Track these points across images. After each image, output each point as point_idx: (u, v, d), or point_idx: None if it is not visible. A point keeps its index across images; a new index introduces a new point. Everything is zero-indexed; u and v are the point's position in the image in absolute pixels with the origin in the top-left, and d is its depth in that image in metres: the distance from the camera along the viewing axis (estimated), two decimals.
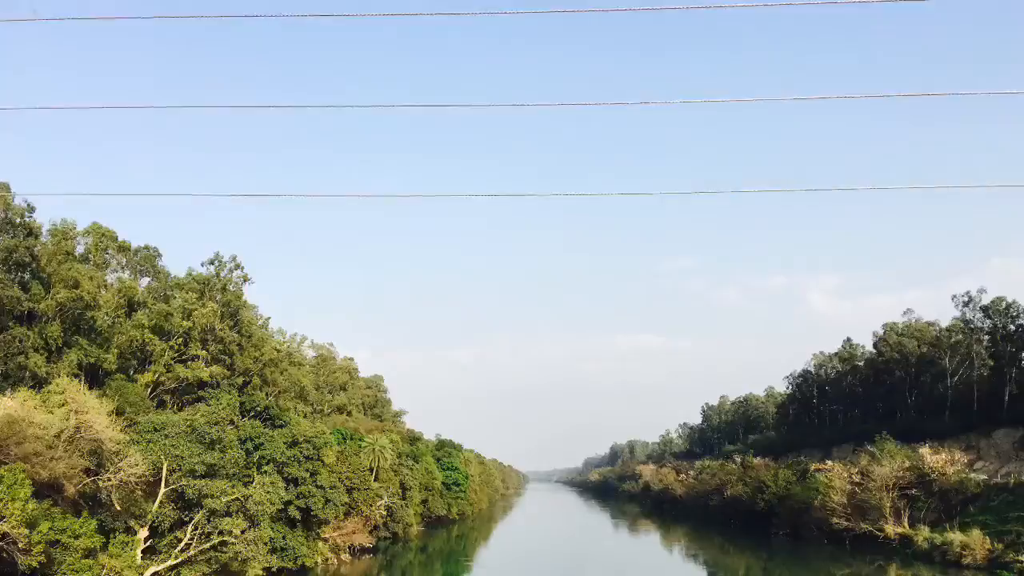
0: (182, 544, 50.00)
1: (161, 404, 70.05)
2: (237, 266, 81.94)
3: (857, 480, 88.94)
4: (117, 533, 47.49)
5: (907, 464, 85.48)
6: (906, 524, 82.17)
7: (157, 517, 49.81)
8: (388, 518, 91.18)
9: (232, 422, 62.22)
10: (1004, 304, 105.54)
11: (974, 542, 70.41)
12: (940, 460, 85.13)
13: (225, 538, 50.95)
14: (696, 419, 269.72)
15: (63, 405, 47.40)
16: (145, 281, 78.25)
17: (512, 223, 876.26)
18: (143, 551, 49.04)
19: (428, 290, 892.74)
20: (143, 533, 49.44)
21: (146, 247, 77.69)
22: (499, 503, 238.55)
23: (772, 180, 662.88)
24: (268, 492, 56.59)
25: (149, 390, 69.53)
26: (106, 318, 64.30)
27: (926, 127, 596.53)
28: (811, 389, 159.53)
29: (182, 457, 51.24)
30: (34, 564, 38.51)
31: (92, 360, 61.46)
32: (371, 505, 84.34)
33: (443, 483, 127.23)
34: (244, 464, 58.29)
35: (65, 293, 59.24)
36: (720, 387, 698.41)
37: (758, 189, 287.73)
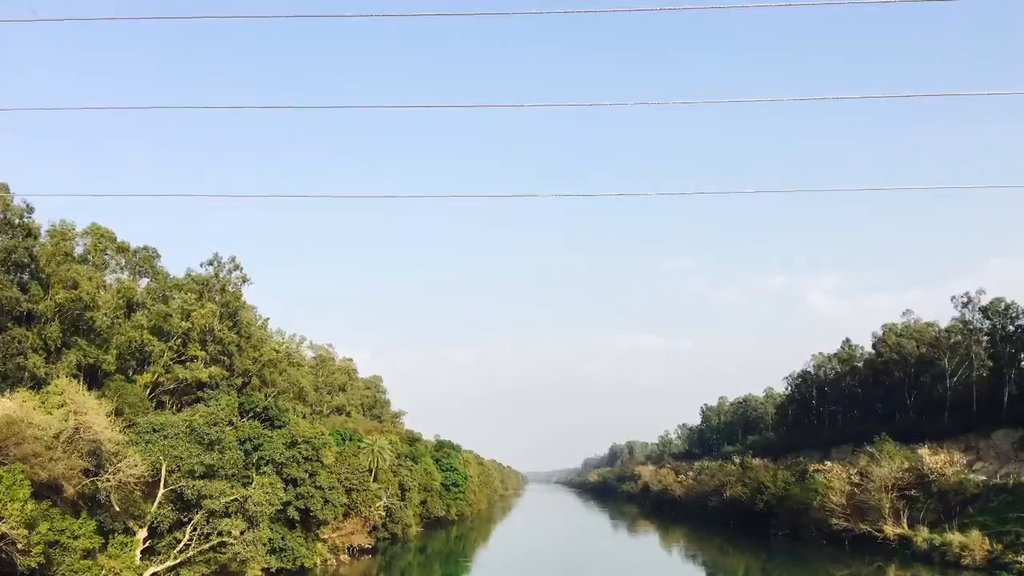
0: (181, 545, 49.99)
1: (160, 405, 70.04)
2: (236, 267, 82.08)
3: (856, 481, 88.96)
4: (116, 534, 47.46)
5: (906, 465, 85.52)
6: (905, 525, 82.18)
7: (156, 518, 49.80)
8: (387, 519, 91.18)
9: (231, 423, 62.16)
10: (1003, 305, 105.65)
11: (973, 543, 70.43)
12: (939, 461, 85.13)
13: (224, 539, 50.97)
14: (695, 420, 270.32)
15: (62, 406, 47.37)
16: (144, 282, 78.16)
17: (512, 223, 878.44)
18: (142, 552, 49.02)
19: (428, 290, 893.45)
20: (142, 534, 49.42)
21: (145, 248, 77.60)
22: (498, 504, 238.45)
23: (772, 180, 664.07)
24: (267, 493, 56.57)
25: (148, 391, 69.51)
26: (105, 319, 64.19)
27: (926, 127, 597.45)
28: (810, 390, 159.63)
29: (181, 458, 51.23)
30: (33, 565, 38.47)
31: (91, 361, 61.41)
32: (370, 506, 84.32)
33: (442, 484, 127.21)
34: (243, 465, 58.24)
35: (64, 294, 59.18)
36: (720, 387, 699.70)
37: (758, 190, 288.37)
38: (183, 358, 72.51)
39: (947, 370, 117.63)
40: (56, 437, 44.42)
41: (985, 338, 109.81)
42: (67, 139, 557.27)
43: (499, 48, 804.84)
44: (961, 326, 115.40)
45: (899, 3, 18.88)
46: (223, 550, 51.46)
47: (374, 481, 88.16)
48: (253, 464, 61.21)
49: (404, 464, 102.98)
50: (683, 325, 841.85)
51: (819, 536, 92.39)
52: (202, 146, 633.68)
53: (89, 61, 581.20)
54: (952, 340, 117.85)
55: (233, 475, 54.79)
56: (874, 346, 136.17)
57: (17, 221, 58.37)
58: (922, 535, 78.46)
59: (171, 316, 71.90)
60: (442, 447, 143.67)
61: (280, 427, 67.28)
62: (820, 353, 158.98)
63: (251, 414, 67.33)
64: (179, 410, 66.68)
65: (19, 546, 37.49)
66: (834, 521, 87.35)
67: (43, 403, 47.51)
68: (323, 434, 74.31)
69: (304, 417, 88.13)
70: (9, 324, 56.06)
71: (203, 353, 73.91)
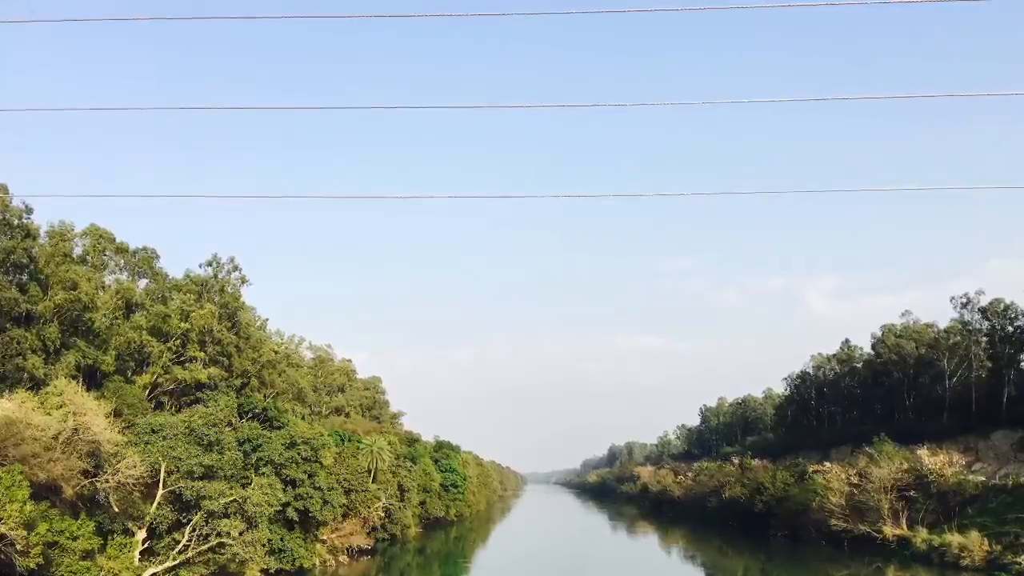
0: (180, 545, 49.97)
1: (159, 406, 70.01)
2: (235, 267, 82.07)
3: (855, 482, 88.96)
4: (115, 535, 47.49)
5: (905, 466, 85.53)
6: (904, 526, 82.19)
7: (155, 519, 49.80)
8: (386, 519, 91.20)
9: (230, 423, 62.16)
10: (1002, 306, 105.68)
11: (972, 544, 70.43)
12: (938, 462, 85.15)
13: (223, 539, 50.90)
14: (695, 420, 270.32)
15: (61, 407, 47.33)
16: (143, 283, 78.14)
17: (512, 223, 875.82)
18: (141, 552, 49.02)
19: (428, 290, 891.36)
20: (141, 535, 49.42)
21: (144, 248, 77.59)
22: (497, 505, 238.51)
23: (772, 181, 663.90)
24: (266, 494, 56.53)
25: (147, 392, 69.46)
26: (104, 320, 64.15)
27: (926, 127, 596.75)
28: (809, 390, 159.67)
29: (180, 459, 51.24)
30: (32, 566, 38.44)
31: (90, 362, 61.39)
32: (369, 507, 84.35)
33: (441, 484, 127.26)
34: (242, 465, 58.22)
35: (63, 295, 59.17)
36: (719, 388, 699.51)
37: (757, 191, 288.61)
38: (182, 359, 72.47)
39: (946, 371, 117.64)
40: (55, 438, 44.39)
41: (984, 339, 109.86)
42: (67, 139, 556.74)
43: (499, 48, 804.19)
44: (960, 327, 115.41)
45: (899, 3, 18.90)
46: (222, 551, 51.43)
47: (373, 482, 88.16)
48: (252, 465, 61.18)
49: (403, 465, 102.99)
50: (683, 325, 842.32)
51: (818, 537, 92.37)
52: (202, 146, 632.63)
53: (89, 61, 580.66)
54: (951, 341, 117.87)
55: (232, 476, 54.77)
56: (873, 347, 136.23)
57: (16, 222, 58.37)
58: (921, 536, 78.47)
59: (170, 317, 71.85)
60: (441, 448, 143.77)
61: (279, 428, 67.26)
62: (819, 354, 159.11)
63: (250, 415, 67.34)
64: (178, 411, 66.67)
65: (18, 547, 37.46)
66: (833, 522, 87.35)
67: (42, 404, 47.48)
68: (322, 435, 74.29)
69: (303, 418, 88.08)
70: (8, 325, 56.04)
71: (202, 354, 73.88)
